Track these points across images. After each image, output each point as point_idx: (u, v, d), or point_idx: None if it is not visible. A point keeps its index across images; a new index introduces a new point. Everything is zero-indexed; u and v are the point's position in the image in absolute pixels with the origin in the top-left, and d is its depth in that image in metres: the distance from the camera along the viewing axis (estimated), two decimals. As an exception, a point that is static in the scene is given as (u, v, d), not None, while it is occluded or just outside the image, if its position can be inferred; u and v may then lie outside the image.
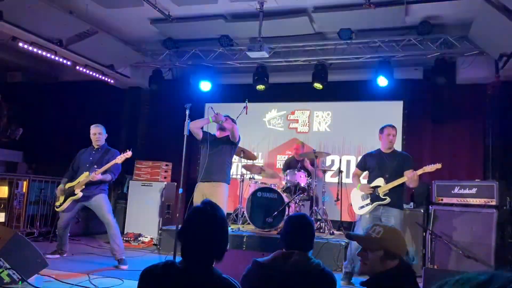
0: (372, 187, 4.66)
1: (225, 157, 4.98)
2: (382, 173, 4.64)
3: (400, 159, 4.67)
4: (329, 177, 7.50)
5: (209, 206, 1.89)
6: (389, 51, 6.80)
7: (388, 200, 4.56)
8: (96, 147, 5.28)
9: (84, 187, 5.05)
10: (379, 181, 4.63)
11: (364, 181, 5.04)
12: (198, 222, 1.82)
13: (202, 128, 5.04)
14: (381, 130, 4.81)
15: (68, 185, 5.19)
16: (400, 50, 6.75)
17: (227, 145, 4.99)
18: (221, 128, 5.03)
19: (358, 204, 4.77)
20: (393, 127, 4.77)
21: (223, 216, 1.92)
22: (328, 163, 7.73)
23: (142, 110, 9.04)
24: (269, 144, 8.16)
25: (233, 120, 5.10)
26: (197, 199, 4.85)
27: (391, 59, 6.92)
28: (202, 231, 1.80)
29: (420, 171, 4.40)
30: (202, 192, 4.89)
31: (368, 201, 4.68)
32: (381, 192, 4.57)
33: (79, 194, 5.05)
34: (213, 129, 5.23)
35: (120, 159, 5.07)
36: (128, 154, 5.12)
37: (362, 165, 4.90)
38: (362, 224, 4.68)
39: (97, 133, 5.26)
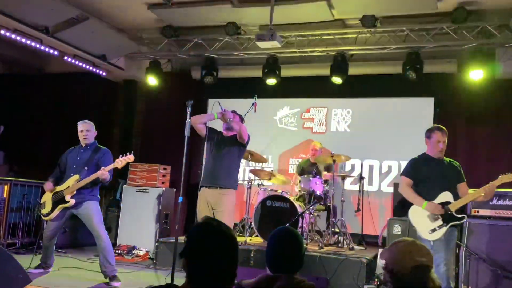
0: (441, 204, 4.20)
1: (233, 159, 4.94)
2: (443, 185, 4.23)
3: (454, 168, 4.35)
4: (348, 184, 7.46)
5: (219, 224, 1.89)
6: (419, 41, 6.73)
7: (465, 218, 4.21)
8: (84, 145, 5.28)
9: (75, 192, 5.04)
10: (446, 196, 4.20)
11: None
12: (210, 243, 1.82)
13: (205, 123, 4.99)
14: (428, 134, 4.41)
15: (56, 189, 5.16)
16: (431, 40, 6.67)
17: (235, 146, 4.96)
18: (228, 128, 5.00)
19: (428, 227, 4.19)
20: (442, 131, 4.36)
21: (233, 234, 1.93)
22: (347, 168, 7.68)
23: (137, 107, 9.06)
24: (280, 146, 8.13)
25: (241, 117, 5.07)
26: (202, 208, 4.82)
27: (420, 50, 6.86)
28: (217, 253, 1.80)
29: (497, 182, 4.06)
30: (206, 199, 4.86)
31: (440, 221, 4.16)
32: (453, 209, 4.15)
33: (71, 201, 5.01)
34: (218, 126, 5.18)
35: (119, 163, 5.02)
36: (130, 158, 5.08)
37: (414, 174, 4.38)
38: (437, 252, 4.05)
39: (85, 130, 5.25)
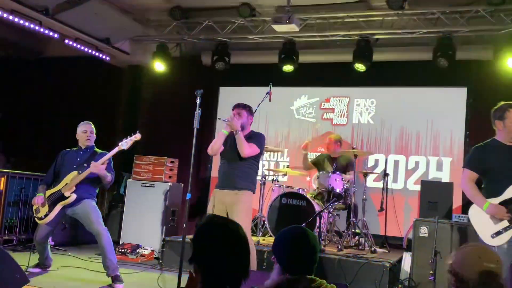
0: (503, 204, 3.80)
1: (250, 160, 4.92)
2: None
3: None
4: (371, 181, 7.42)
5: (230, 222, 1.97)
6: (451, 25, 6.64)
7: None
8: (84, 147, 5.35)
9: (75, 188, 5.10)
10: None
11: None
12: (224, 243, 1.92)
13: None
14: (500, 113, 3.96)
15: (50, 191, 5.22)
16: (465, 24, 6.58)
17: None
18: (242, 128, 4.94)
19: (490, 230, 3.84)
20: None
21: (242, 232, 1.98)
22: (370, 163, 7.64)
23: (143, 94, 9.09)
24: (297, 139, 8.11)
25: (250, 111, 4.99)
26: (216, 209, 4.83)
27: (453, 35, 6.77)
28: (234, 253, 1.90)
29: None
30: (221, 199, 4.86)
31: (506, 223, 3.81)
32: None
33: (71, 196, 5.07)
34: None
35: (125, 144, 5.08)
36: (137, 136, 5.12)
37: (479, 165, 3.96)
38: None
39: (89, 131, 5.33)
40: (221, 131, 4.89)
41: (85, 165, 5.17)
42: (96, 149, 5.40)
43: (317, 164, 7.05)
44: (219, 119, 4.96)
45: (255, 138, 4.92)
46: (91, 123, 5.41)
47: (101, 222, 5.12)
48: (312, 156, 7.73)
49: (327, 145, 7.06)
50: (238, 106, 4.94)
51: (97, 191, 5.36)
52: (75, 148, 5.41)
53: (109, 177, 5.14)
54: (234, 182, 4.83)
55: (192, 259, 1.93)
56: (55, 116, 8.92)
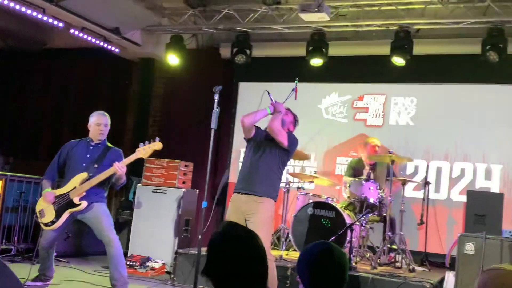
0: None
1: (274, 163, 4.94)
2: None
3: None
4: (410, 191, 7.35)
5: (243, 230, 2.01)
6: (503, 14, 6.55)
7: None
8: (96, 141, 5.30)
9: (85, 193, 5.08)
10: None
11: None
12: (238, 254, 1.98)
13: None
14: None
15: (57, 191, 5.20)
16: (520, 13, 6.48)
17: (279, 148, 4.96)
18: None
19: None
20: None
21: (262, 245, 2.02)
22: (409, 170, 7.57)
23: (155, 90, 9.16)
24: (326, 142, 8.09)
25: (295, 118, 5.08)
26: (233, 217, 4.83)
27: (505, 25, 6.67)
28: (249, 266, 1.96)
29: None
30: (239, 207, 4.87)
31: None
32: None
33: (82, 204, 5.05)
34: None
35: (143, 151, 5.02)
36: (157, 144, 5.06)
37: None
38: None
39: (103, 124, 5.24)
40: (264, 108, 4.93)
41: (96, 165, 5.11)
42: (108, 144, 5.33)
43: (352, 170, 7.03)
44: (267, 91, 4.97)
45: (288, 136, 4.97)
46: (107, 114, 5.32)
47: (113, 230, 5.11)
48: (342, 161, 7.70)
49: (369, 149, 7.00)
50: (288, 109, 5.09)
51: (106, 192, 5.32)
52: (85, 140, 5.31)
53: (123, 178, 5.14)
54: (254, 186, 4.84)
55: (203, 271, 1.99)
56: (59, 113, 9.05)
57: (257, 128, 5.06)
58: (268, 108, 4.92)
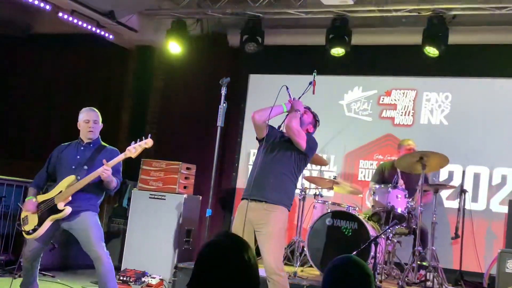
0: None
1: (289, 167, 4.91)
2: None
3: None
4: (444, 200, 7.35)
5: (232, 240, 2.06)
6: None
7: None
8: (86, 141, 5.31)
9: (70, 198, 5.08)
10: None
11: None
12: (220, 266, 2.01)
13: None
14: None
15: (42, 197, 5.21)
16: None
17: (296, 150, 4.93)
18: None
19: None
20: None
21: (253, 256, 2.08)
22: (443, 176, 7.53)
23: (154, 82, 9.17)
24: (347, 143, 8.07)
25: (315, 118, 5.09)
26: (239, 227, 4.81)
27: (556, 10, 6.62)
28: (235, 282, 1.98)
29: None
30: (247, 216, 4.82)
31: None
32: None
33: (66, 210, 5.04)
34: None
35: (133, 150, 5.04)
36: (148, 142, 5.09)
37: None
38: None
39: (92, 121, 5.23)
40: (280, 104, 4.93)
41: (85, 167, 5.11)
42: (103, 143, 5.34)
43: (382, 176, 7.02)
44: (285, 86, 4.96)
45: (308, 139, 4.96)
46: (96, 110, 5.34)
47: (103, 244, 5.11)
48: (366, 165, 7.66)
49: (402, 154, 6.90)
50: (308, 108, 5.11)
51: (101, 200, 5.32)
52: (75, 142, 5.34)
53: (114, 182, 5.12)
54: (265, 192, 4.81)
55: (188, 284, 2.03)
56: (46, 108, 9.07)
57: (271, 126, 5.04)
58: (285, 105, 4.92)
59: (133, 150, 5.06)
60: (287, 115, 4.96)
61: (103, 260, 5.03)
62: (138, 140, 5.10)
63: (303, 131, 4.96)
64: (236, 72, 8.18)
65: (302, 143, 4.84)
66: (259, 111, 4.95)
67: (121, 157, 5.08)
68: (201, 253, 2.08)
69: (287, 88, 4.96)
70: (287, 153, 4.92)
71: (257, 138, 5.08)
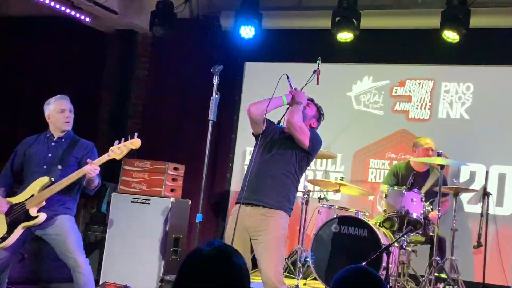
0: None
1: (290, 167, 4.88)
2: None
3: None
4: (465, 204, 7.37)
5: (219, 251, 2.07)
6: None
7: None
8: (58, 135, 5.27)
9: (44, 203, 5.05)
10: None
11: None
12: (200, 280, 2.01)
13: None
14: None
15: (12, 200, 5.17)
16: None
17: (298, 148, 4.90)
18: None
19: None
20: None
21: (243, 265, 2.07)
22: (464, 177, 7.53)
23: (137, 71, 9.16)
24: (356, 140, 8.08)
25: (319, 111, 5.08)
26: (232, 234, 4.77)
27: None
28: None
29: None
30: (242, 222, 4.80)
31: None
32: None
33: (40, 216, 5.01)
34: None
35: (117, 151, 4.99)
36: (134, 142, 5.04)
37: None
38: None
39: (68, 109, 5.22)
40: (280, 96, 4.90)
41: (59, 166, 5.10)
42: (76, 137, 5.32)
43: (396, 177, 7.03)
44: (286, 75, 4.93)
45: (311, 135, 4.95)
46: (67, 98, 5.30)
47: (82, 251, 5.12)
48: (377, 164, 7.62)
49: (418, 154, 6.95)
50: (311, 100, 5.09)
51: (77, 202, 5.31)
52: (44, 135, 5.32)
53: (96, 180, 5.13)
54: (263, 196, 4.78)
55: None
56: (16, 97, 9.01)
57: (269, 121, 5.03)
58: (285, 97, 4.89)
59: (118, 151, 5.02)
60: (288, 108, 4.93)
61: (83, 269, 5.05)
62: (123, 139, 5.07)
63: (306, 126, 4.93)
64: (230, 60, 8.19)
65: (305, 140, 4.82)
66: (256, 103, 4.91)
67: (104, 158, 5.04)
68: (182, 265, 2.07)
69: (288, 77, 4.92)
70: (288, 151, 4.89)
71: (253, 134, 5.06)
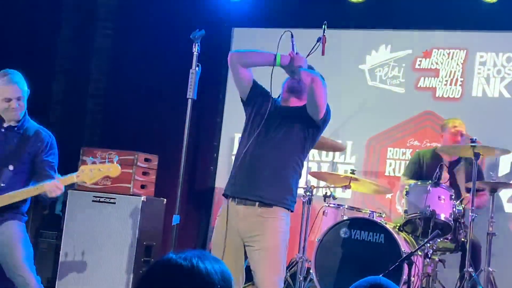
0: None
1: (292, 151, 4.88)
2: None
3: None
4: (504, 202, 7.42)
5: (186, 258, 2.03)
6: None
7: None
8: (10, 123, 5.25)
9: None
10: None
11: None
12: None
13: (250, 69, 4.98)
14: None
15: None
16: None
17: (300, 124, 4.88)
18: (293, 88, 4.95)
19: None
20: None
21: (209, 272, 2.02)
22: (504, 170, 7.60)
23: (98, 39, 9.17)
24: (371, 123, 8.12)
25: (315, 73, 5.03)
26: (220, 240, 4.81)
27: None
28: None
29: None
30: (234, 226, 4.81)
31: None
32: None
33: None
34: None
35: (92, 174, 5.03)
36: (113, 170, 5.08)
37: None
38: None
39: (15, 98, 5.08)
40: (273, 53, 4.83)
41: (11, 167, 5.11)
42: (36, 127, 5.29)
43: (419, 167, 7.08)
44: (290, 32, 4.88)
45: None
46: (16, 74, 5.19)
47: (32, 265, 5.16)
48: (396, 154, 7.70)
49: (450, 137, 7.02)
50: (312, 68, 4.99)
51: (28, 205, 5.33)
52: None
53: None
54: (258, 189, 4.77)
55: None
56: None
57: (257, 85, 5.01)
58: (280, 56, 4.79)
59: (90, 174, 5.06)
60: (287, 80, 4.95)
61: (31, 285, 5.06)
62: (99, 158, 5.09)
63: (303, 99, 4.91)
64: (215, 25, 8.17)
65: (322, 110, 4.80)
66: (240, 52, 4.99)
67: (71, 178, 5.08)
68: (141, 278, 2.07)
69: (292, 36, 4.89)
70: (290, 130, 4.87)
71: (242, 100, 5.04)
